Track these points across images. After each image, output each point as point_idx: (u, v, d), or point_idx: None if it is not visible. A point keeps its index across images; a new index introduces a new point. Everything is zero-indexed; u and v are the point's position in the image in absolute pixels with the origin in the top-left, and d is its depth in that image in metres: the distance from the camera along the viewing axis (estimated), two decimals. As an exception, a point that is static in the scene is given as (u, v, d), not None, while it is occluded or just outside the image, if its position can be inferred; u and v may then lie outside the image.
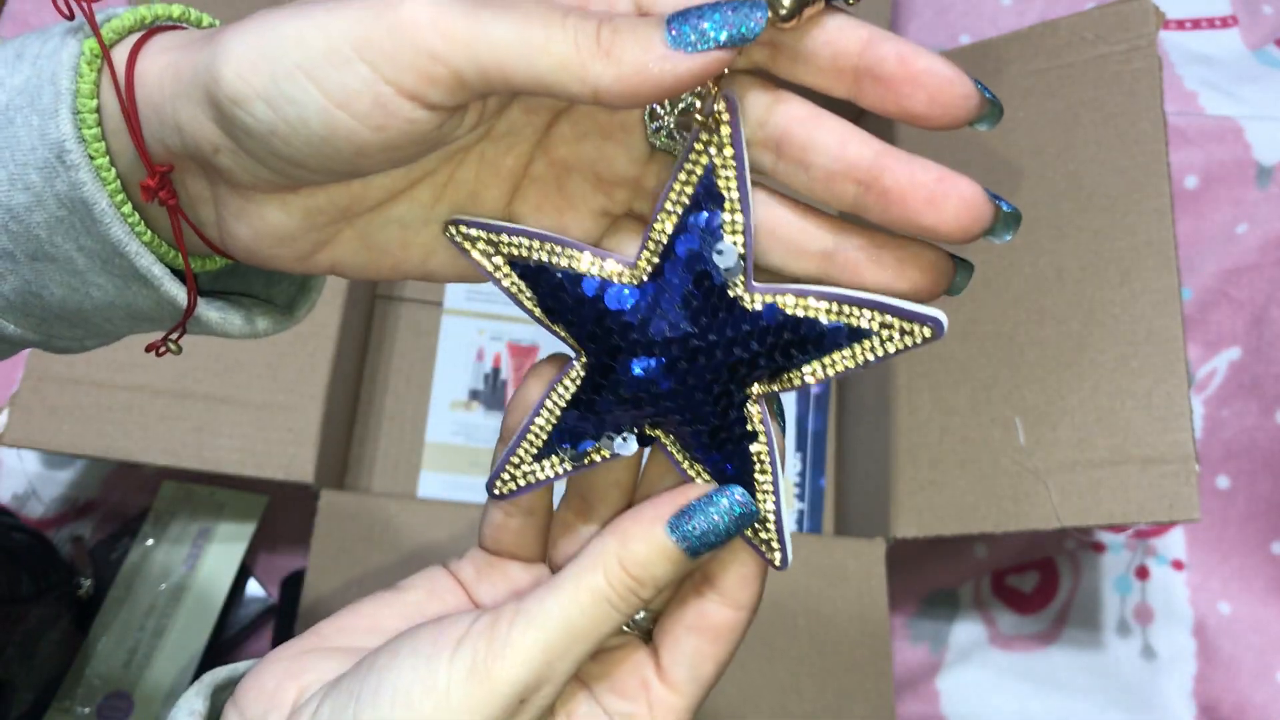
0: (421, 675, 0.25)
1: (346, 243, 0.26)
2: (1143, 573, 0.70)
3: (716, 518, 0.26)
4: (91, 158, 0.23)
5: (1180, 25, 0.84)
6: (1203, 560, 0.70)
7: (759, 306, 0.25)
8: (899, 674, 0.69)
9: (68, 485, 0.68)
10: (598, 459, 0.28)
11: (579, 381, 0.27)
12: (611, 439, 0.27)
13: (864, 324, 0.24)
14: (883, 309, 0.24)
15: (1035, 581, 0.71)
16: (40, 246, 0.24)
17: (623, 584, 0.26)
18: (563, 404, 0.27)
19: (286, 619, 0.64)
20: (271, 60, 0.21)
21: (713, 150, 0.24)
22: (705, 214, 0.24)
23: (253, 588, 0.66)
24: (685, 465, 0.27)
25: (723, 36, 0.21)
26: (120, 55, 0.23)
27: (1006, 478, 0.57)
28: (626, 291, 0.26)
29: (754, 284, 0.25)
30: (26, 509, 0.67)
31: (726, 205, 0.24)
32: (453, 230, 0.26)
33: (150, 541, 0.65)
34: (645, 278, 0.25)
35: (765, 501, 0.27)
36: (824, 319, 0.24)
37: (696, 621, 0.28)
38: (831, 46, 0.23)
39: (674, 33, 0.21)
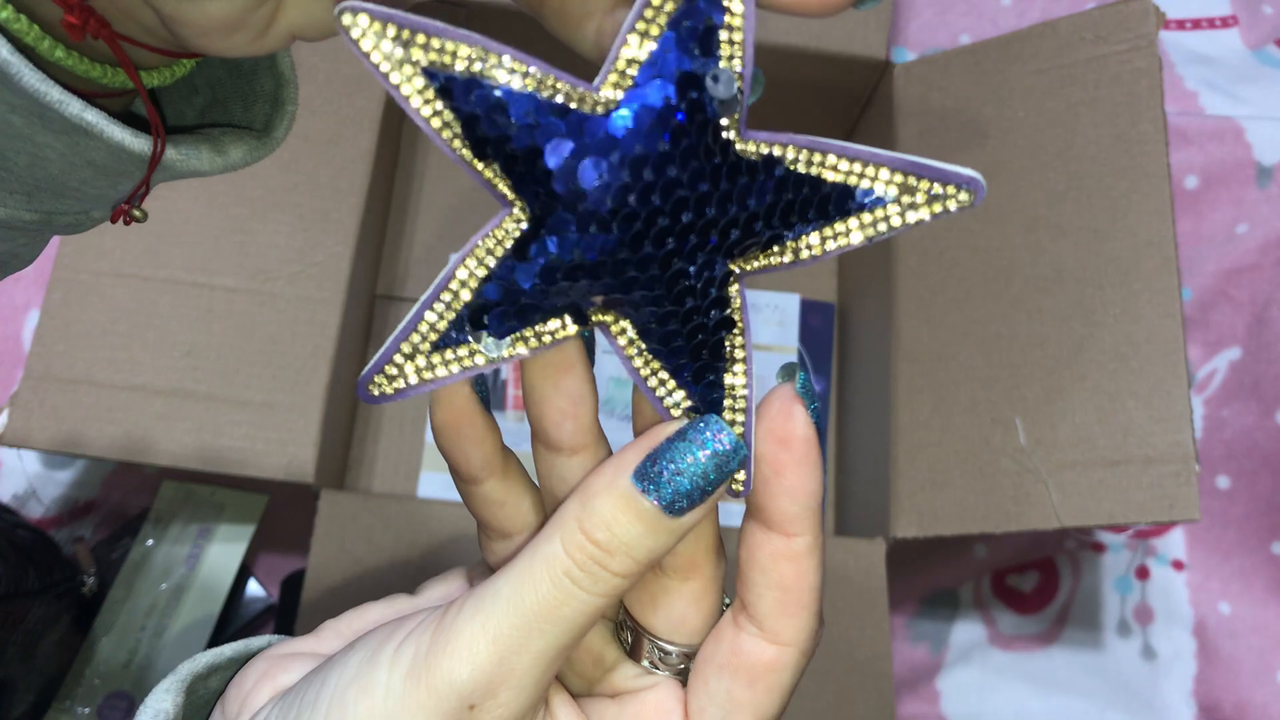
0: (361, 676, 0.21)
1: (296, 1, 0.23)
2: (1143, 573, 0.70)
3: (690, 458, 0.21)
4: None
5: (1180, 25, 0.84)
6: (1203, 560, 0.70)
7: (756, 156, 0.20)
8: (899, 674, 0.69)
9: (68, 485, 0.68)
10: (523, 350, 0.21)
11: (509, 242, 0.20)
12: (545, 320, 0.21)
13: (880, 188, 0.20)
14: (908, 168, 0.20)
15: (1035, 581, 0.71)
16: None
17: (584, 551, 0.21)
18: (481, 273, 0.21)
19: (287, 619, 0.64)
20: None
21: None
22: (696, 25, 0.19)
23: (253, 587, 0.66)
24: (639, 364, 0.22)
25: None
26: None
27: (1006, 478, 0.57)
28: (588, 118, 0.19)
29: (748, 130, 0.20)
30: (26, 509, 0.67)
31: (728, 14, 0.19)
32: (348, 20, 0.19)
33: (150, 542, 0.65)
34: (614, 103, 0.20)
35: (734, 412, 0.22)
36: (832, 176, 0.20)
37: (730, 659, 0.23)
38: None
39: None
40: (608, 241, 0.20)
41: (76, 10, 0.22)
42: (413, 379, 0.21)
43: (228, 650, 0.26)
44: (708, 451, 0.21)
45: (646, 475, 0.21)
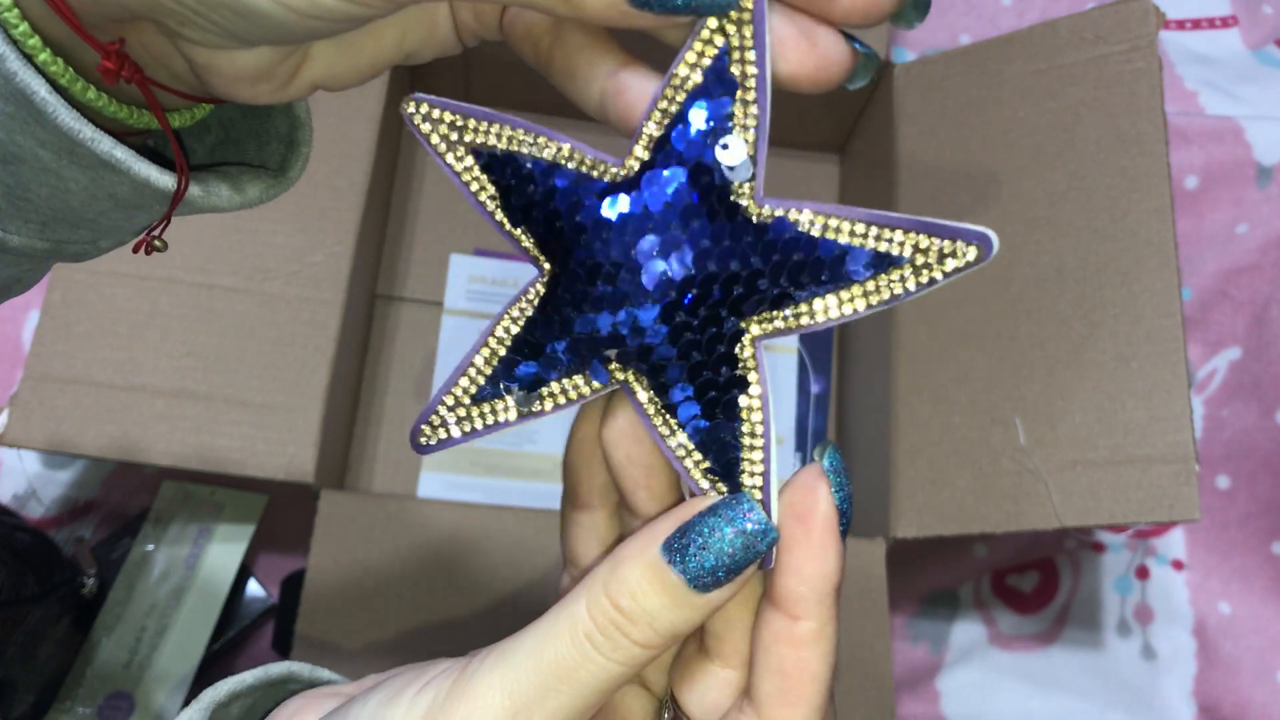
0: (378, 715, 0.21)
1: (321, 55, 0.25)
2: (1143, 573, 0.70)
3: (718, 535, 0.21)
4: (19, 44, 0.22)
5: (1180, 25, 0.84)
6: (1203, 560, 0.70)
7: (767, 219, 0.21)
8: (899, 674, 0.69)
9: (68, 485, 0.68)
10: (549, 406, 0.23)
11: (536, 302, 0.22)
12: (572, 375, 0.22)
13: (894, 248, 0.20)
14: (919, 228, 0.20)
15: (1035, 581, 0.71)
16: (4, 148, 0.23)
17: (606, 616, 0.21)
18: (515, 331, 0.22)
19: (287, 619, 0.64)
20: None
21: (730, 30, 0.20)
22: (710, 102, 0.21)
23: (253, 587, 0.66)
24: (658, 422, 0.22)
25: (682, 4, 0.20)
26: None
27: (1006, 478, 0.57)
28: (607, 187, 0.21)
29: (763, 195, 0.21)
30: (26, 509, 0.67)
31: (739, 94, 0.20)
32: (411, 109, 0.23)
33: (150, 543, 0.65)
34: (632, 174, 0.21)
35: (752, 475, 0.22)
36: (844, 240, 0.20)
37: None
38: None
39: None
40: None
41: (114, 57, 0.23)
42: (454, 431, 0.23)
43: (249, 677, 0.26)
44: (736, 529, 0.21)
45: (674, 547, 0.21)
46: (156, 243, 0.27)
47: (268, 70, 0.24)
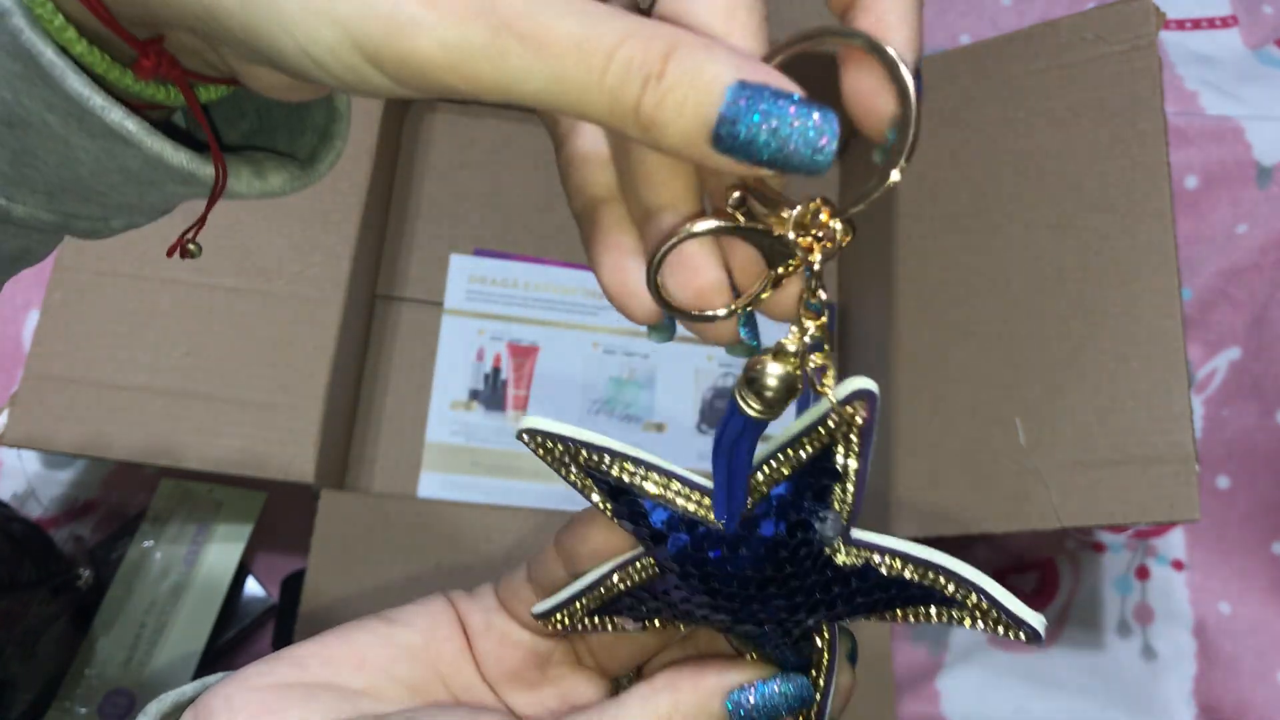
0: None
1: None
2: (1143, 573, 0.70)
3: (776, 701, 0.25)
4: (32, 9, 0.21)
5: (1180, 25, 0.84)
6: (1203, 560, 0.70)
7: (852, 564, 0.24)
8: (899, 674, 0.69)
9: (68, 485, 0.68)
10: (658, 624, 0.27)
11: (645, 574, 0.25)
12: (674, 618, 0.26)
13: (959, 596, 0.23)
14: (989, 600, 0.23)
15: (1035, 581, 0.71)
16: (11, 110, 0.22)
17: None
18: (627, 584, 0.26)
19: (287, 619, 0.64)
20: (273, 36, 0.19)
21: (839, 435, 0.23)
22: (815, 481, 0.23)
23: (253, 588, 0.66)
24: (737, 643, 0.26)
25: (767, 157, 0.19)
26: None
27: (1006, 478, 0.57)
28: (709, 531, 0.24)
29: (853, 536, 0.24)
30: (26, 509, 0.67)
31: (840, 484, 0.23)
32: (526, 438, 0.25)
33: (149, 541, 0.65)
34: (734, 527, 0.24)
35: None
36: (922, 582, 0.23)
37: None
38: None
39: (719, 138, 0.19)
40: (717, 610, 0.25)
41: (152, 54, 0.22)
42: (576, 625, 0.27)
43: (189, 689, 0.26)
44: (791, 696, 0.25)
45: (737, 701, 0.24)
46: (191, 246, 0.26)
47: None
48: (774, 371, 0.22)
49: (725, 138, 0.19)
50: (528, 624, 0.28)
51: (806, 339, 0.22)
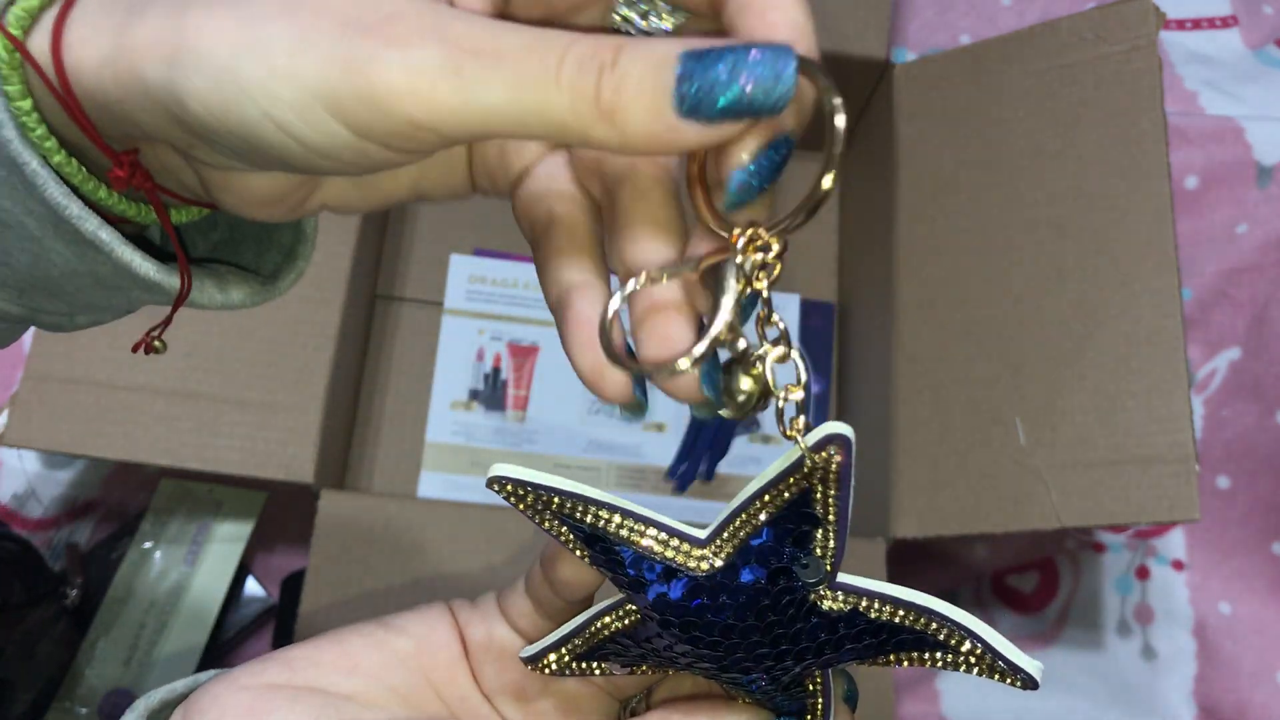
0: None
1: (334, 183, 0.25)
2: (1143, 573, 0.70)
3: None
4: (18, 117, 0.22)
5: (1180, 25, 0.84)
6: (1203, 560, 0.70)
7: (839, 609, 0.23)
8: (899, 674, 0.69)
9: (68, 485, 0.68)
10: (645, 670, 0.26)
11: (630, 620, 0.25)
12: (660, 664, 0.26)
13: (952, 641, 0.22)
14: (984, 646, 0.22)
15: (1035, 581, 0.71)
16: None
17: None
18: (611, 630, 0.25)
19: (287, 619, 0.64)
20: (239, 105, 0.20)
21: (815, 480, 0.22)
22: (795, 526, 0.22)
23: (253, 588, 0.66)
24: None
25: (734, 98, 0.19)
26: (40, 43, 0.22)
27: (1006, 478, 0.57)
28: (689, 580, 0.23)
29: (837, 582, 0.23)
30: (26, 509, 0.67)
31: (821, 529, 0.22)
32: (497, 487, 0.24)
33: (149, 541, 0.65)
34: (715, 566, 0.23)
35: None
36: (915, 626, 0.23)
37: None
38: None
39: (683, 97, 0.19)
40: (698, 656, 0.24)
41: (126, 166, 0.23)
42: (564, 669, 0.26)
43: (180, 686, 0.26)
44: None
45: None
46: (156, 344, 0.27)
47: (279, 196, 0.24)
48: (744, 386, 0.22)
49: (689, 96, 0.19)
50: (529, 636, 0.27)
51: (769, 362, 0.22)
